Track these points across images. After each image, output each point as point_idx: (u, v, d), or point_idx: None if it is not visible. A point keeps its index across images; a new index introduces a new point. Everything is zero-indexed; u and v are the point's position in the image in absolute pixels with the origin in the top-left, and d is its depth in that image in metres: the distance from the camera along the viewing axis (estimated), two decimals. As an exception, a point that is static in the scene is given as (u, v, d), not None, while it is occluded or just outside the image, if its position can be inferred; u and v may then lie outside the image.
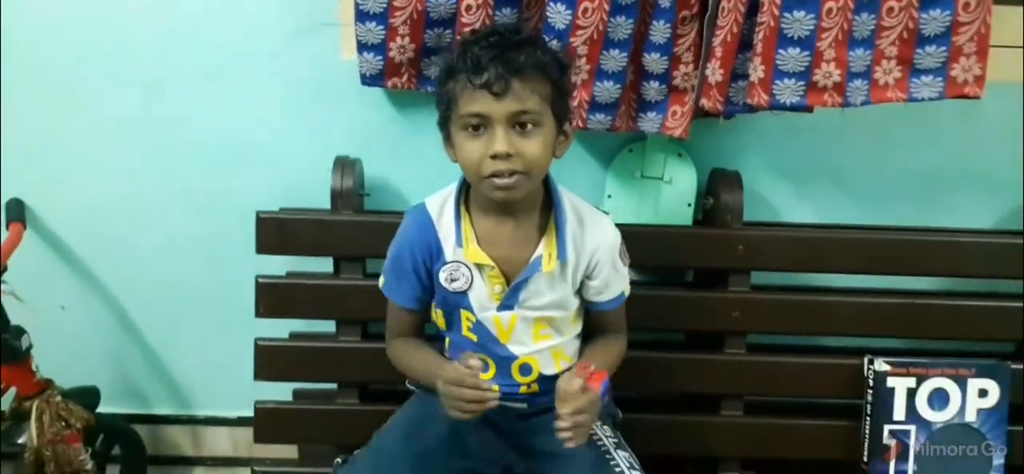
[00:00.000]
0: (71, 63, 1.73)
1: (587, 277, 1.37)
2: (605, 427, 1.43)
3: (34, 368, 1.72)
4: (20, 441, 1.72)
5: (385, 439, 1.44)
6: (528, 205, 1.33)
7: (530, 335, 1.38)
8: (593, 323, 1.46)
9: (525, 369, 1.41)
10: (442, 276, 1.36)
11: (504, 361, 1.40)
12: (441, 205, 1.37)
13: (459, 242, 1.33)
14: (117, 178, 1.81)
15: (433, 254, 1.36)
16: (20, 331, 1.69)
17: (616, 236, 1.39)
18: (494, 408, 1.24)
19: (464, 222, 1.34)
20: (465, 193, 1.36)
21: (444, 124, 1.31)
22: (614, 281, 1.40)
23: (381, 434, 1.46)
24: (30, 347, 1.71)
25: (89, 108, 1.76)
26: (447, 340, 1.45)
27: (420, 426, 1.41)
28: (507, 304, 1.35)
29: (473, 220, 1.35)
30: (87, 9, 1.69)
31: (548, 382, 1.38)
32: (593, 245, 1.36)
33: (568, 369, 1.38)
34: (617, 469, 1.34)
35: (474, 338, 1.39)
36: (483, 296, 1.36)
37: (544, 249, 1.33)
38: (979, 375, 1.68)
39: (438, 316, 1.43)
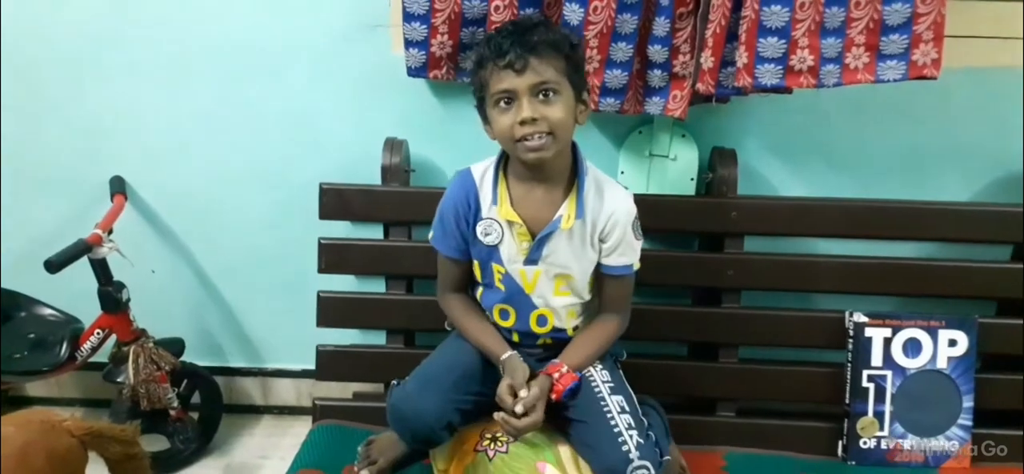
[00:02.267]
0: (164, 63, 2.01)
1: (602, 239, 1.57)
2: (603, 370, 1.64)
3: (132, 317, 2.01)
4: (119, 380, 1.99)
5: (429, 366, 1.64)
6: (556, 173, 1.53)
7: (551, 289, 1.60)
8: (600, 292, 1.65)
9: (541, 320, 1.63)
10: (479, 230, 1.57)
11: (525, 311, 1.63)
12: (483, 170, 1.58)
13: (495, 201, 1.54)
14: (201, 159, 2.10)
15: (473, 211, 1.57)
16: (121, 285, 1.99)
17: (633, 208, 1.57)
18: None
19: (501, 186, 1.55)
20: (505, 163, 1.57)
21: (481, 107, 1.52)
22: (624, 248, 1.58)
23: (426, 363, 1.66)
24: (129, 300, 2.00)
25: (180, 99, 2.04)
26: (479, 291, 1.68)
27: (458, 356, 1.64)
28: (532, 258, 1.56)
29: (509, 185, 1.56)
30: (181, 16, 1.97)
31: (560, 335, 1.64)
32: (610, 209, 1.54)
33: (574, 339, 1.63)
34: (607, 413, 1.54)
35: (503, 288, 1.62)
36: (512, 251, 1.57)
37: (565, 209, 1.52)
38: (949, 327, 1.88)
39: (475, 267, 1.65)
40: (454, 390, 1.58)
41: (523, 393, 1.50)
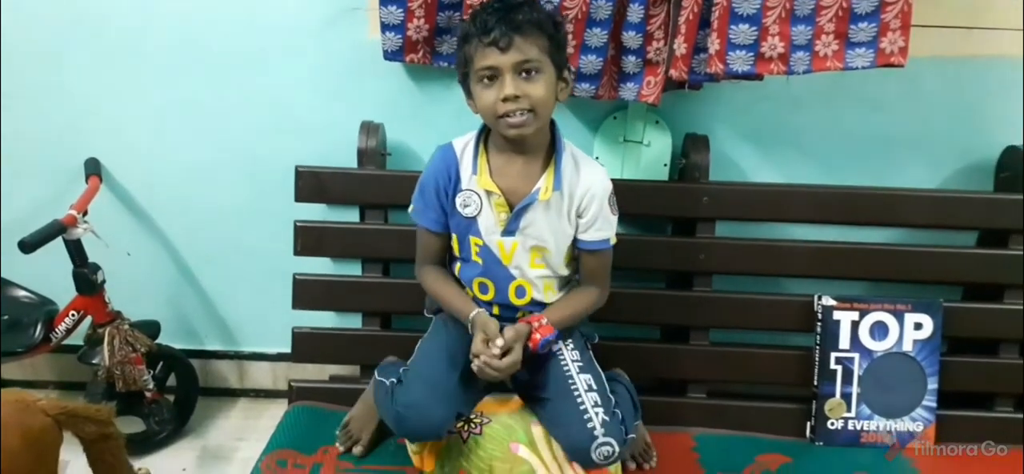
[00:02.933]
0: (141, 47, 2.01)
1: (579, 214, 1.61)
2: (574, 349, 1.67)
3: (107, 299, 2.00)
4: (94, 361, 1.98)
5: (427, 366, 1.66)
6: (535, 147, 1.57)
7: (528, 261, 1.63)
8: (580, 268, 1.69)
9: (520, 291, 1.66)
10: (458, 201, 1.61)
11: (503, 283, 1.65)
12: (465, 144, 1.62)
13: (475, 171, 1.58)
14: (177, 141, 2.09)
15: (453, 183, 1.61)
16: (96, 267, 1.97)
17: (608, 183, 1.62)
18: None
19: (481, 157, 1.59)
20: (486, 135, 1.61)
21: (464, 82, 1.56)
22: (602, 223, 1.62)
23: (424, 361, 1.69)
24: (104, 281, 1.98)
25: (156, 83, 2.04)
26: (458, 266, 1.70)
27: (455, 352, 1.64)
28: (509, 230, 1.60)
29: (489, 157, 1.60)
30: (158, 0, 1.97)
31: (540, 308, 1.66)
32: (586, 184, 1.59)
33: (554, 301, 1.67)
34: (575, 391, 1.59)
35: (480, 262, 1.64)
36: (490, 222, 1.60)
37: (543, 181, 1.57)
38: (915, 310, 1.92)
39: (454, 241, 1.67)
40: (457, 391, 1.61)
41: (499, 341, 1.53)
